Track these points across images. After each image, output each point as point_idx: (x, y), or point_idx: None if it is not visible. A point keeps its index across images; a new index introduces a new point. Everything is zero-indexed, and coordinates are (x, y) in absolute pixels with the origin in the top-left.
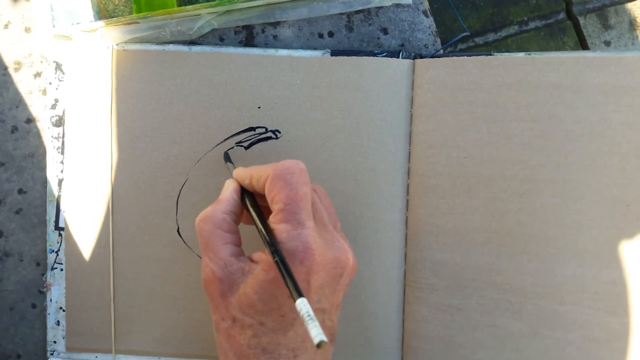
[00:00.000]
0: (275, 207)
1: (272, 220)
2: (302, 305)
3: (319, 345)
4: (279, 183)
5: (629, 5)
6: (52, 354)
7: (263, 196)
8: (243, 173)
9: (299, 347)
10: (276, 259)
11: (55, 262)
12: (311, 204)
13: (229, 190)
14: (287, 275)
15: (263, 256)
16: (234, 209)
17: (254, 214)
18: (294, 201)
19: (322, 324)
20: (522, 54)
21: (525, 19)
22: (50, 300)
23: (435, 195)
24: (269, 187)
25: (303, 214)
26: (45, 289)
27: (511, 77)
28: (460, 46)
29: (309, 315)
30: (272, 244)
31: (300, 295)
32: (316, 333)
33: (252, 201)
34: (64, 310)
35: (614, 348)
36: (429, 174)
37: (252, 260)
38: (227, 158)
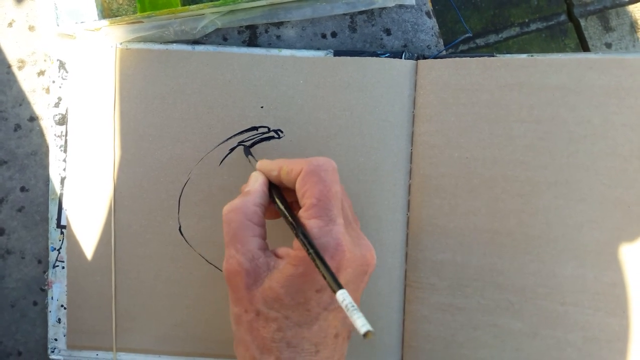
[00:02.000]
0: (306, 202)
1: (304, 215)
2: (344, 296)
3: (366, 335)
4: (312, 178)
5: (630, 7)
6: (53, 352)
7: (288, 190)
8: (270, 165)
9: (321, 342)
10: (311, 252)
11: (56, 259)
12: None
13: (258, 182)
14: (325, 268)
15: (290, 251)
16: (263, 201)
17: (283, 207)
18: (327, 197)
19: (343, 321)
20: (524, 56)
21: (527, 20)
22: (52, 297)
23: (437, 195)
24: (301, 181)
25: (334, 210)
26: (46, 287)
27: (513, 78)
28: (462, 47)
29: (352, 306)
30: (306, 237)
31: (340, 287)
32: (362, 323)
33: (280, 195)
34: (65, 308)
35: (614, 349)
36: (431, 174)
37: (276, 255)
38: (247, 152)
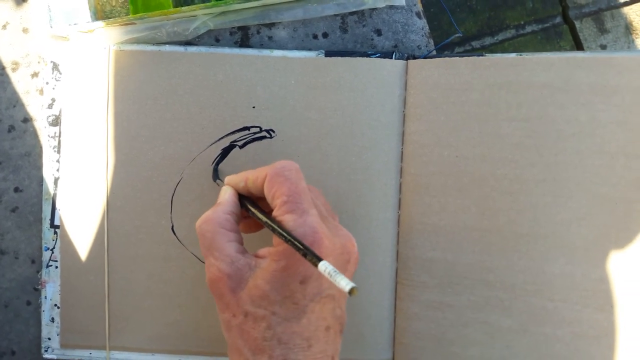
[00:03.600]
0: (277, 201)
1: (277, 213)
2: (325, 265)
3: (351, 292)
4: (278, 179)
5: (625, 9)
6: (46, 351)
7: (259, 200)
8: (236, 178)
9: (312, 336)
10: (289, 238)
11: (50, 259)
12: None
13: (227, 193)
14: (302, 246)
15: (271, 249)
16: (234, 209)
17: (256, 211)
18: (296, 192)
19: (332, 312)
20: (513, 55)
21: (522, 22)
22: (45, 297)
23: (427, 194)
24: (268, 184)
25: (305, 204)
26: (40, 287)
27: (502, 77)
28: (457, 49)
29: (335, 271)
30: (281, 228)
31: (320, 259)
32: (346, 282)
33: (250, 201)
34: (58, 307)
35: (602, 344)
36: (421, 173)
37: (257, 256)
38: (215, 175)
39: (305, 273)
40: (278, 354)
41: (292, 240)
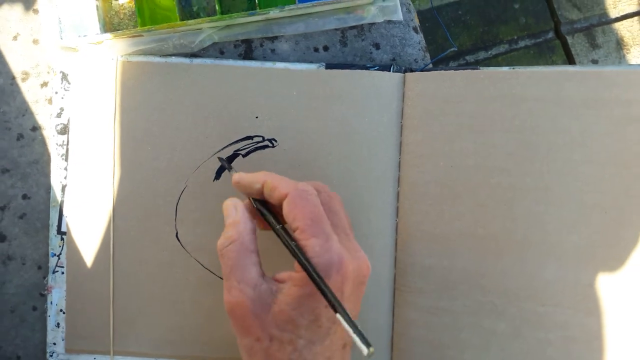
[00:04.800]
0: (299, 224)
1: (301, 236)
2: (342, 319)
3: (369, 355)
4: (301, 202)
5: (616, 25)
6: (51, 356)
7: (269, 202)
8: (251, 178)
9: (332, 355)
10: (314, 276)
11: (56, 265)
12: (336, 213)
13: (239, 209)
14: (329, 291)
15: (292, 274)
16: (253, 226)
17: (283, 232)
18: (319, 217)
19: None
20: (506, 68)
21: (515, 37)
22: (51, 302)
23: (424, 202)
24: (290, 204)
25: (328, 228)
26: (46, 292)
27: (496, 90)
28: (451, 64)
29: (352, 325)
30: (307, 261)
31: (337, 310)
32: (365, 345)
33: (275, 218)
34: (64, 313)
35: (593, 348)
36: (418, 182)
37: (277, 280)
38: (228, 166)
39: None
40: None
41: (317, 279)
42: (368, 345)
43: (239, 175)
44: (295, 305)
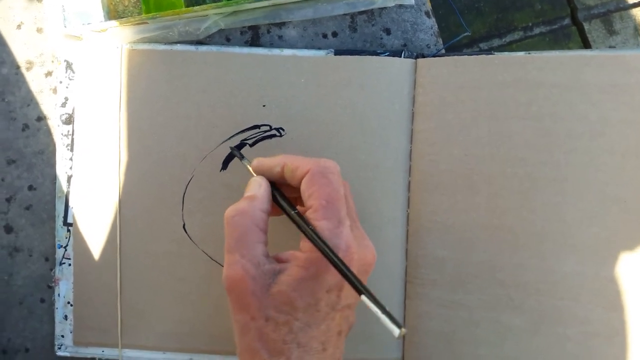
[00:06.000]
0: (314, 203)
1: (312, 216)
2: (367, 301)
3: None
4: (321, 180)
5: (634, 10)
6: (59, 348)
7: (287, 187)
8: (270, 162)
9: (327, 340)
10: (331, 255)
11: (63, 257)
12: (347, 199)
13: (262, 187)
14: (352, 275)
15: (297, 254)
16: (268, 207)
17: (293, 212)
18: (335, 199)
19: (347, 319)
20: (522, 53)
21: (530, 24)
22: (59, 295)
23: (436, 192)
24: (309, 182)
25: (342, 212)
26: (53, 284)
27: (511, 75)
28: (465, 51)
29: (381, 307)
30: (323, 241)
31: (362, 291)
32: (396, 326)
33: (285, 198)
34: (71, 305)
35: (613, 343)
36: (430, 171)
37: (279, 260)
38: (240, 155)
39: (332, 282)
40: (295, 356)
41: (333, 259)
42: (399, 325)
43: (258, 161)
44: (296, 287)
